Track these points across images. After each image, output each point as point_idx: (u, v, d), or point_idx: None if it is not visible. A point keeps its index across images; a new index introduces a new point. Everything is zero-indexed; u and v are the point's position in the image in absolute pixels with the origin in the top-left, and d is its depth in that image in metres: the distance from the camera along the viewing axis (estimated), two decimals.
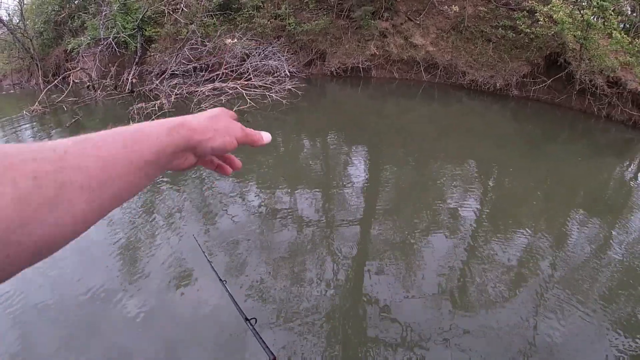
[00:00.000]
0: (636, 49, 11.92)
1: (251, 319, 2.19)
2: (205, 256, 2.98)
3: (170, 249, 5.93)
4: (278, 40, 16.14)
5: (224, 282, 2.65)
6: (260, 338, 1.95)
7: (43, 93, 13.67)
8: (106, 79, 15.05)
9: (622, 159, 10.72)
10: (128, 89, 13.97)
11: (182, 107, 11.75)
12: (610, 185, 9.20)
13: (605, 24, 12.20)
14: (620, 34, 12.00)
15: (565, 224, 7.11)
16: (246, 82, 12.76)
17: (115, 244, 6.07)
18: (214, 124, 0.76)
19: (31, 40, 19.58)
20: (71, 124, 11.40)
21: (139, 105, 11.07)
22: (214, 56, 14.66)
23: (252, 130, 0.88)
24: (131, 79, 14.06)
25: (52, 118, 12.69)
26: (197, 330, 4.59)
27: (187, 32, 15.40)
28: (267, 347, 1.90)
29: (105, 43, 15.54)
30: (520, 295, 5.23)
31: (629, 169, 10.24)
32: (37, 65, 19.41)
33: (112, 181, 0.57)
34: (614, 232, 6.91)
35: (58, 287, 5.25)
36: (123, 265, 5.64)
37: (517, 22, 14.38)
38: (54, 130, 11.79)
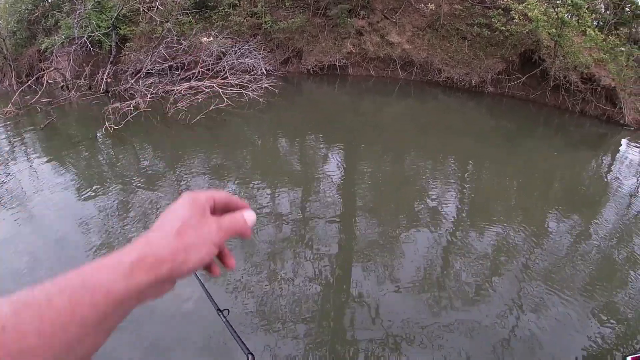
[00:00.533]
0: (610, 46, 12.21)
1: (223, 310, 2.16)
2: None
3: None
4: (254, 38, 16.11)
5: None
6: (234, 331, 1.93)
7: (17, 94, 13.42)
8: (80, 79, 14.83)
9: (597, 153, 11.00)
10: (103, 89, 13.81)
11: (158, 106, 11.66)
12: (585, 178, 9.41)
13: (580, 21, 12.45)
14: (595, 32, 12.25)
15: (543, 217, 7.25)
16: (223, 81, 12.71)
17: (91, 244, 6.02)
18: (183, 239, 0.63)
19: (4, 40, 19.16)
20: (45, 125, 11.24)
21: (113, 105, 10.96)
22: (190, 55, 14.58)
23: (234, 219, 0.73)
24: (106, 79, 13.90)
25: (26, 119, 12.49)
26: (178, 329, 4.58)
27: (162, 31, 15.27)
28: (243, 342, 1.86)
29: (79, 42, 15.34)
30: (501, 289, 5.32)
31: (603, 163, 10.49)
32: (10, 65, 19.01)
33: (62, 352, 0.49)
34: (589, 224, 7.08)
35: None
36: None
37: (493, 19, 14.55)
38: (27, 133, 11.61)
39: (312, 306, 4.96)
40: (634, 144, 11.56)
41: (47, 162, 9.05)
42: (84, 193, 7.56)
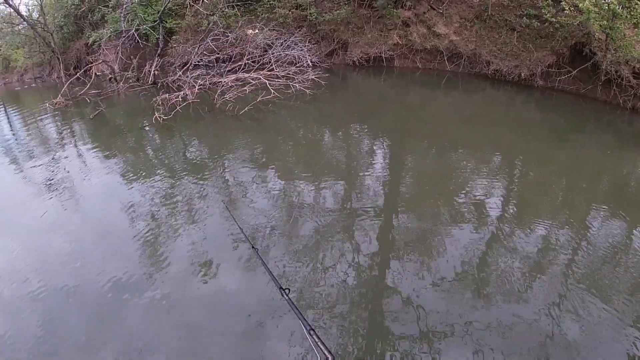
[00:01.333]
0: None
1: (285, 288, 2.13)
2: (237, 223, 2.82)
3: (195, 237, 5.96)
4: (299, 30, 16.01)
5: (256, 249, 2.54)
6: (296, 308, 1.89)
7: (65, 86, 13.74)
8: (128, 71, 15.06)
9: None
10: (150, 81, 13.96)
11: (206, 98, 11.72)
12: (634, 178, 9.00)
13: (632, 13, 11.90)
14: None
15: (589, 217, 6.96)
16: (269, 73, 12.66)
17: (137, 230, 6.11)
18: None
19: (52, 34, 19.66)
20: (95, 116, 11.42)
21: (162, 96, 11.03)
22: (236, 47, 14.59)
23: None
24: (153, 71, 14.04)
25: (75, 110, 12.72)
26: (221, 317, 4.64)
27: (208, 24, 15.35)
28: (304, 319, 1.80)
29: (126, 35, 15.54)
30: (541, 289, 5.16)
31: None
32: (59, 58, 19.50)
33: None
34: (637, 227, 6.72)
35: (81, 275, 5.27)
36: (146, 253, 5.68)
37: (542, 10, 14.01)
38: (77, 123, 11.81)
39: (350, 297, 4.94)
40: None
41: (95, 150, 9.27)
42: (131, 180, 7.72)
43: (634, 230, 6.61)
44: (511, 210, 7.12)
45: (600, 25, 12.26)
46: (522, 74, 14.43)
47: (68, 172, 8.30)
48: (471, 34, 15.84)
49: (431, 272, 5.36)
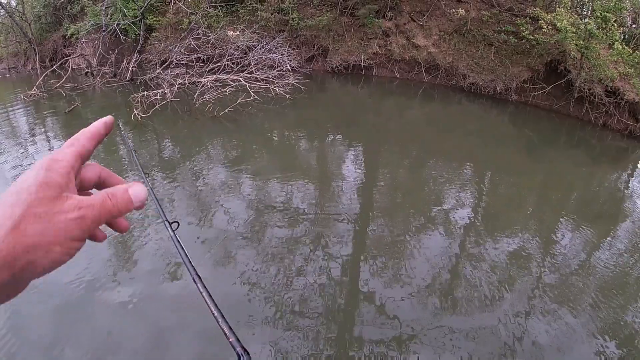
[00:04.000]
0: (636, 60, 12.07)
1: (172, 222, 1.83)
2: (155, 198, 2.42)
3: (159, 239, 5.89)
4: (280, 34, 16.06)
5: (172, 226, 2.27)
6: (184, 251, 1.62)
7: (41, 78, 13.49)
8: (105, 66, 14.87)
9: (617, 168, 10.91)
10: (128, 77, 13.82)
11: (185, 97, 11.66)
12: (603, 192, 9.33)
13: (607, 34, 12.30)
14: (622, 45, 12.18)
15: (558, 228, 7.21)
16: (249, 75, 12.67)
17: (106, 231, 5.93)
18: (23, 237, 0.47)
19: (29, 24, 19.32)
20: (70, 110, 11.24)
21: (141, 93, 10.93)
22: (217, 48, 14.56)
23: (108, 198, 0.57)
24: (132, 67, 13.90)
25: (49, 104, 12.50)
26: (185, 317, 4.58)
27: (189, 22, 15.29)
28: (191, 263, 1.61)
29: (107, 30, 15.36)
30: (510, 297, 5.30)
31: (623, 178, 10.38)
32: (35, 49, 19.15)
33: None
34: (604, 239, 7.01)
35: (47, 275, 5.12)
36: (113, 252, 5.63)
37: (520, 28, 14.47)
38: (50, 117, 11.61)
39: (321, 303, 4.96)
40: None
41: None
42: None
43: (599, 242, 6.87)
44: (482, 220, 7.28)
45: (576, 45, 12.68)
46: (498, 88, 14.80)
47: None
48: (449, 47, 16.16)
49: (402, 279, 5.44)
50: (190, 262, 1.54)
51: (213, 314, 1.24)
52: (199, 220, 6.36)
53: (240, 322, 4.54)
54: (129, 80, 13.80)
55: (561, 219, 7.58)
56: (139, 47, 15.33)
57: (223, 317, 1.24)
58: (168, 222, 1.83)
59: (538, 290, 5.50)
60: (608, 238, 7.10)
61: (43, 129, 10.62)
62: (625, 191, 9.52)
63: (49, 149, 8.89)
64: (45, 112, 11.97)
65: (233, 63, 13.78)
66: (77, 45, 17.00)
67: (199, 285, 1.42)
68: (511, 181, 9.09)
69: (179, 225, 1.84)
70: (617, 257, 6.49)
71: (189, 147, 9.39)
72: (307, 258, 5.70)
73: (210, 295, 1.32)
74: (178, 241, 1.67)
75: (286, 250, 5.83)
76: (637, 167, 11.15)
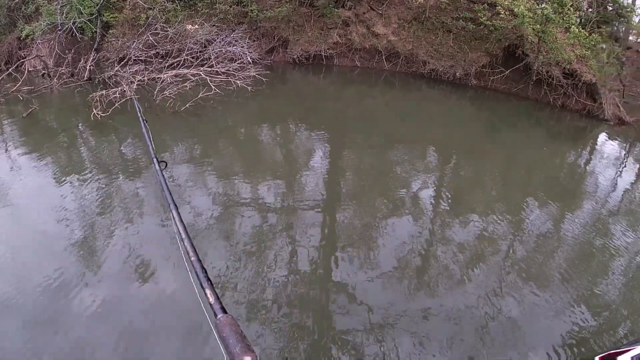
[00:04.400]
0: (592, 43, 12.50)
1: (161, 161, 2.06)
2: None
3: (128, 237, 5.87)
4: (240, 26, 15.93)
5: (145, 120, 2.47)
6: (167, 187, 1.92)
7: None
8: (62, 67, 14.55)
9: (576, 146, 11.37)
10: (86, 77, 13.57)
11: (145, 94, 11.53)
12: (564, 170, 9.67)
13: (564, 18, 12.61)
14: (578, 29, 12.57)
15: (522, 207, 7.43)
16: (209, 69, 12.60)
17: (72, 236, 5.89)
18: None
19: None
20: (28, 114, 10.96)
21: (100, 92, 10.77)
22: (175, 42, 14.39)
23: None
24: (89, 66, 13.66)
25: (5, 108, 12.16)
26: (157, 320, 4.58)
27: (146, 18, 15.06)
28: (173, 200, 1.83)
29: (62, 29, 15.01)
30: (480, 276, 5.45)
31: (582, 156, 10.80)
32: None
33: None
34: (567, 215, 7.29)
35: (15, 282, 5.03)
36: (81, 256, 5.52)
37: (478, 14, 14.73)
38: (7, 122, 11.27)
39: (294, 293, 5.01)
40: (612, 138, 11.97)
41: (27, 150, 8.78)
42: (66, 183, 7.41)
43: (563, 219, 7.13)
44: (448, 203, 7.46)
45: (534, 29, 12.98)
46: (457, 74, 15.09)
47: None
48: (409, 35, 16.33)
49: (373, 265, 5.53)
50: (170, 193, 1.76)
51: (171, 200, 1.41)
52: (165, 217, 6.30)
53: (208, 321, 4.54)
54: (86, 80, 13.53)
55: (525, 198, 7.83)
56: (96, 46, 15.03)
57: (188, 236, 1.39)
58: (157, 159, 2.06)
59: (507, 267, 5.69)
60: (571, 213, 7.40)
61: (1, 135, 10.33)
62: (586, 168, 9.88)
63: (8, 156, 8.65)
64: (2, 118, 11.64)
65: (193, 57, 13.63)
66: (32, 47, 16.52)
67: (174, 213, 1.64)
68: (474, 163, 9.29)
69: (166, 165, 2.10)
70: (581, 230, 6.79)
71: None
72: (277, 250, 5.75)
73: (185, 229, 1.51)
74: (163, 176, 1.84)
75: (255, 244, 5.86)
76: (595, 145, 11.67)
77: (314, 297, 5.01)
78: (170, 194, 1.73)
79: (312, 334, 4.50)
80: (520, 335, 4.56)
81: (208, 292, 1.22)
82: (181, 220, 1.50)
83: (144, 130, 2.28)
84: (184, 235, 1.42)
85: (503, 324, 4.70)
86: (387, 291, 5.11)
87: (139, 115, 2.98)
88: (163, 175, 1.87)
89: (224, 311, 1.12)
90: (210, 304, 1.18)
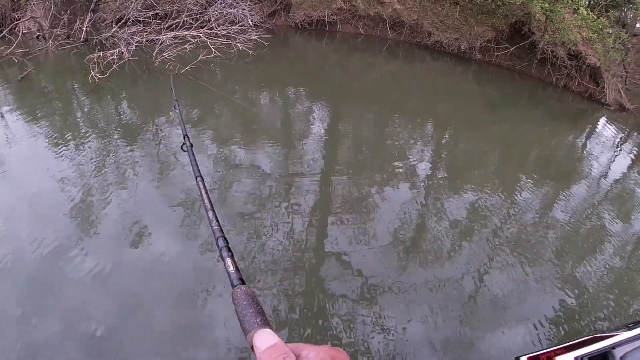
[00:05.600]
0: (600, 27, 12.52)
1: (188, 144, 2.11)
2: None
3: (127, 202, 5.77)
4: None
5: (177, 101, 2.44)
6: (196, 162, 1.88)
7: None
8: (57, 28, 14.18)
9: (576, 128, 11.45)
10: (82, 38, 13.22)
11: (144, 56, 11.23)
12: (561, 151, 9.73)
13: None
14: (587, 11, 12.60)
15: (517, 185, 7.47)
16: (209, 31, 12.26)
17: (69, 200, 5.76)
18: None
19: None
20: (23, 77, 10.65)
21: (98, 54, 10.46)
22: (175, 3, 14.01)
23: None
24: (86, 27, 13.30)
25: (1, 72, 11.85)
26: (155, 284, 4.55)
27: None
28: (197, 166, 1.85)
29: None
30: (471, 250, 5.50)
31: (581, 138, 10.86)
32: None
33: None
34: (561, 196, 7.33)
35: (11, 247, 4.92)
36: (78, 221, 5.41)
37: None
38: (2, 86, 10.97)
39: (289, 260, 5.02)
40: (611, 123, 11.96)
41: (24, 114, 8.53)
42: (62, 147, 7.19)
43: (557, 199, 7.20)
44: (445, 177, 7.51)
45: (542, 7, 12.88)
46: (462, 47, 14.99)
47: None
48: (415, 4, 16.09)
49: (368, 235, 5.54)
50: (197, 166, 1.77)
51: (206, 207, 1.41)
52: (160, 184, 6.24)
53: (210, 284, 4.52)
54: (83, 42, 13.18)
55: (521, 176, 7.86)
56: (92, 6, 14.61)
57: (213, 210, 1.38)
58: (188, 138, 2.12)
59: (498, 244, 5.72)
60: (565, 194, 7.44)
61: None
62: (583, 150, 9.93)
63: (3, 120, 8.40)
64: None
65: (192, 19, 13.29)
66: (26, 8, 16.14)
67: (200, 184, 1.61)
68: (474, 138, 9.25)
69: (192, 146, 2.08)
70: (574, 212, 6.84)
71: (148, 108, 9.10)
72: (274, 217, 5.70)
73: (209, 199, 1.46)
74: (192, 153, 1.97)
75: (253, 210, 5.81)
76: (595, 128, 11.77)
77: (309, 263, 5.04)
78: (198, 167, 1.69)
79: (306, 298, 4.54)
80: (505, 307, 4.65)
81: (229, 261, 1.11)
82: (207, 192, 1.48)
83: (177, 111, 2.27)
84: (209, 206, 1.46)
85: (490, 295, 4.77)
86: (380, 260, 5.13)
87: (174, 98, 2.95)
88: (192, 152, 1.83)
89: (243, 282, 1.02)
90: (229, 273, 1.08)
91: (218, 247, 1.19)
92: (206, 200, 1.49)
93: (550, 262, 5.43)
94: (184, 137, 2.12)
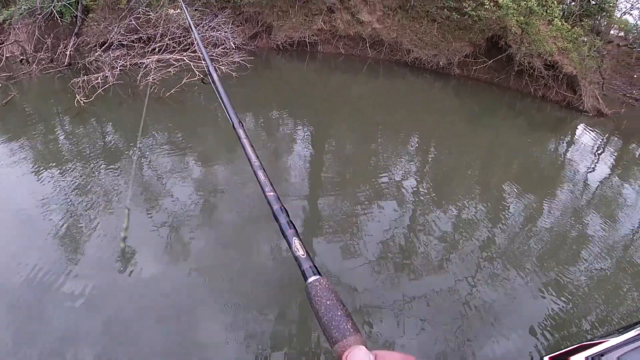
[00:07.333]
0: (574, 36, 12.81)
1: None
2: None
3: (110, 228, 5.73)
4: (223, 11, 15.74)
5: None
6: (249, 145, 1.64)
7: None
8: (41, 52, 14.21)
9: (556, 136, 11.71)
10: (66, 62, 13.29)
11: (128, 79, 11.32)
12: (543, 159, 9.92)
13: (547, 11, 12.87)
14: (561, 22, 12.92)
15: (501, 195, 7.61)
16: (193, 54, 12.40)
17: (53, 225, 5.76)
18: None
19: None
20: (7, 102, 10.65)
21: (82, 78, 10.54)
22: (158, 27, 14.13)
23: None
24: (69, 51, 13.37)
25: None
26: (145, 305, 4.57)
27: (127, 1, 14.75)
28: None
29: (43, 13, 14.64)
30: (460, 261, 5.58)
31: (561, 146, 11.12)
32: None
33: None
34: (545, 203, 7.50)
35: None
36: (63, 246, 5.41)
37: (463, 4, 14.91)
38: None
39: (278, 281, 5.04)
40: (590, 129, 12.31)
41: (8, 140, 8.51)
42: (46, 171, 7.18)
43: (541, 207, 7.32)
44: (430, 190, 7.57)
45: (517, 21, 13.23)
46: (441, 63, 15.30)
47: None
48: (393, 23, 16.40)
49: (357, 252, 5.58)
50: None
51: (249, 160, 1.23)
52: (146, 209, 6.25)
53: (200, 307, 4.56)
54: (66, 66, 13.25)
55: (505, 186, 8.00)
56: (76, 30, 14.73)
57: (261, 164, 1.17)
58: (240, 122, 1.87)
59: (487, 254, 5.82)
60: (549, 202, 7.59)
61: None
62: (564, 157, 10.12)
63: None
64: None
65: (175, 42, 13.43)
66: (9, 32, 16.14)
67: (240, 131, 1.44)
68: (456, 151, 9.44)
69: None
70: (558, 219, 6.98)
71: (131, 132, 9.12)
72: (260, 240, 5.70)
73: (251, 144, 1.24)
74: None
75: (239, 233, 5.83)
76: (574, 136, 12.01)
77: (295, 281, 4.93)
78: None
79: (298, 319, 4.56)
80: (498, 317, 4.70)
81: (296, 242, 0.94)
82: (251, 144, 1.30)
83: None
84: (257, 164, 1.24)
85: (482, 305, 4.83)
86: (371, 276, 5.17)
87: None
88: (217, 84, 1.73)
89: (318, 272, 0.89)
90: (299, 260, 0.92)
91: (278, 222, 0.99)
92: (252, 155, 1.24)
93: (536, 269, 5.54)
94: (206, 68, 1.96)
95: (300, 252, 0.92)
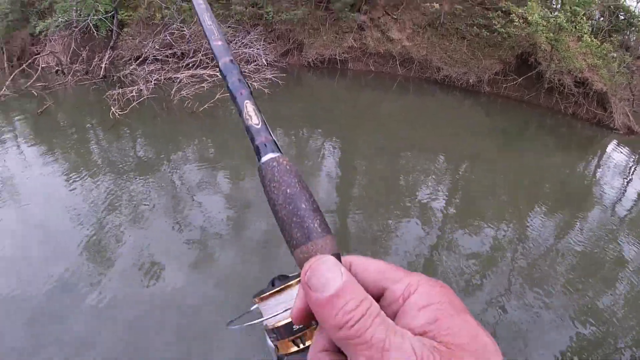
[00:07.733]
0: (604, 52, 12.58)
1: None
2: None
3: (141, 240, 5.81)
4: (255, 29, 15.92)
5: None
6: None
7: (10, 78, 13.10)
8: (76, 64, 14.52)
9: (586, 155, 11.49)
10: (101, 75, 13.54)
11: (163, 93, 11.48)
12: (574, 179, 9.75)
13: (577, 27, 12.72)
14: (590, 38, 12.74)
15: (531, 216, 7.45)
16: None
17: (82, 235, 5.83)
18: None
19: None
20: (42, 111, 10.87)
21: (117, 90, 10.71)
22: (191, 43, 14.34)
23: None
24: (104, 64, 13.63)
25: (19, 105, 12.05)
26: (167, 318, 4.58)
27: (161, 17, 15.02)
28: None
29: (80, 26, 14.97)
30: (488, 283, 5.50)
31: (592, 165, 10.88)
32: (2, 48, 18.55)
33: None
34: (576, 224, 7.34)
35: (23, 280, 4.99)
36: (90, 256, 5.48)
37: (492, 21, 14.79)
38: (21, 118, 11.08)
39: None
40: (621, 148, 12.08)
41: (42, 148, 8.69)
42: (79, 181, 7.33)
43: (572, 228, 7.18)
44: (458, 209, 7.50)
45: (547, 37, 13.04)
46: (471, 80, 15.11)
47: (10, 171, 7.79)
48: (423, 40, 16.33)
49: None
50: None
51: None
52: (176, 222, 6.29)
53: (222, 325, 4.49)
54: (101, 78, 13.51)
55: (535, 206, 7.86)
56: (112, 43, 15.02)
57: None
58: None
59: (515, 275, 5.71)
60: (580, 223, 7.44)
61: (13, 131, 10.10)
62: (595, 177, 9.97)
63: (21, 153, 8.55)
64: (16, 114, 11.49)
65: (209, 58, 13.60)
66: (45, 43, 16.51)
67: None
68: (485, 170, 9.32)
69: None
70: (590, 241, 6.80)
71: (163, 145, 9.24)
72: (286, 255, 5.66)
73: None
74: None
75: (266, 248, 5.83)
76: (605, 154, 11.75)
77: None
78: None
79: None
80: (526, 341, 4.62)
81: (248, 105, 0.66)
82: None
83: None
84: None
85: (510, 329, 4.75)
86: None
87: None
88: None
89: (279, 149, 0.65)
90: (249, 129, 0.68)
91: (225, 80, 0.71)
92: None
93: (566, 292, 5.44)
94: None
95: (254, 120, 0.66)
